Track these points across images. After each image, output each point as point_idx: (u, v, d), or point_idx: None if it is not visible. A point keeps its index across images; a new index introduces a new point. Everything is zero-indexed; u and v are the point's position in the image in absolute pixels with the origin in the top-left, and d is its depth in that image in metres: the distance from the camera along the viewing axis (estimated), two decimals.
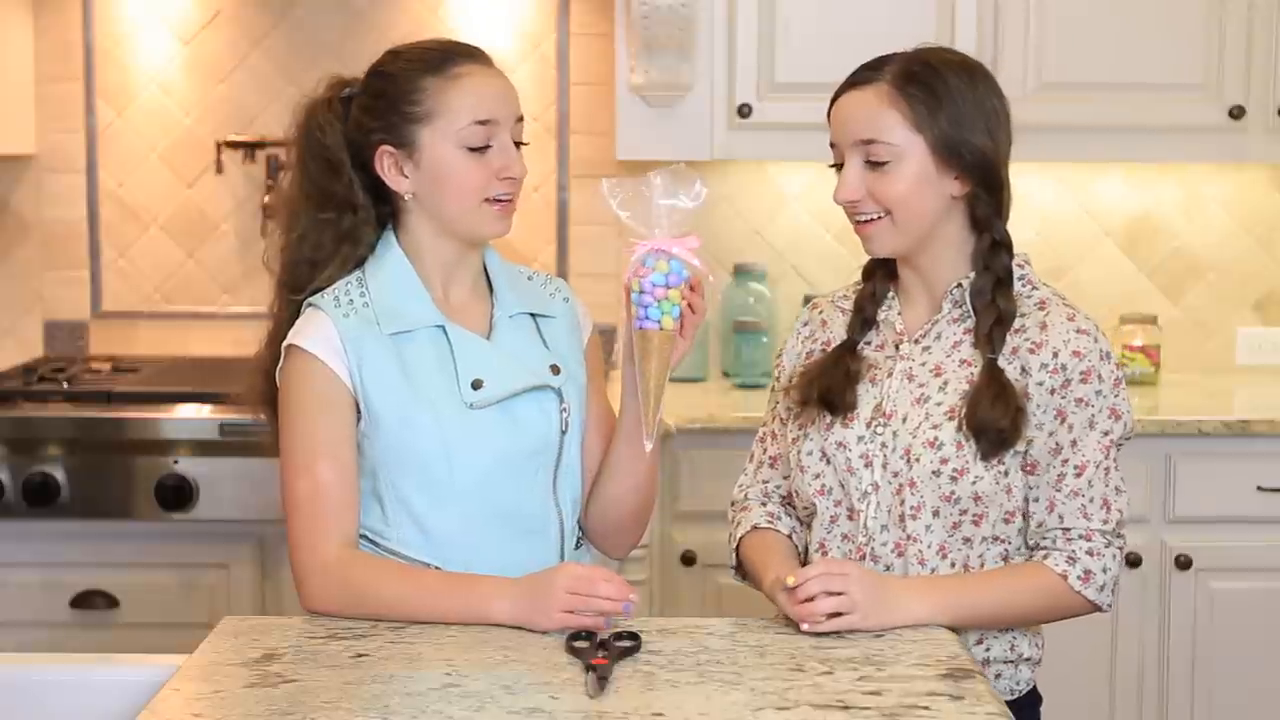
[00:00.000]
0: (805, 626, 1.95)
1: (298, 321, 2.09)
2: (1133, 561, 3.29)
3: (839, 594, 1.94)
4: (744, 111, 3.49)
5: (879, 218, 2.08)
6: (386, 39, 3.72)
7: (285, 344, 2.07)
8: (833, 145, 2.13)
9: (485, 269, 2.19)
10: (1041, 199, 3.85)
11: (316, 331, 2.05)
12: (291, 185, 2.16)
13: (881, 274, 2.18)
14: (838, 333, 2.20)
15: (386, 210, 2.14)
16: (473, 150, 2.07)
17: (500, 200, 2.09)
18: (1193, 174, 3.84)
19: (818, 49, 3.45)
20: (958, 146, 2.05)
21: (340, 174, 2.11)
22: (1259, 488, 3.29)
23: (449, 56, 2.10)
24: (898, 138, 2.05)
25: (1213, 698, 3.32)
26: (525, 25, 3.81)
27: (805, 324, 2.26)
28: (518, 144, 2.11)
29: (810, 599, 1.95)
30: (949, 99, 2.05)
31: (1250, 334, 3.88)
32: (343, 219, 2.12)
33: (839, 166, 2.12)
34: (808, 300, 3.08)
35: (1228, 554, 3.32)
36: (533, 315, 2.18)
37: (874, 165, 2.07)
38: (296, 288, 2.11)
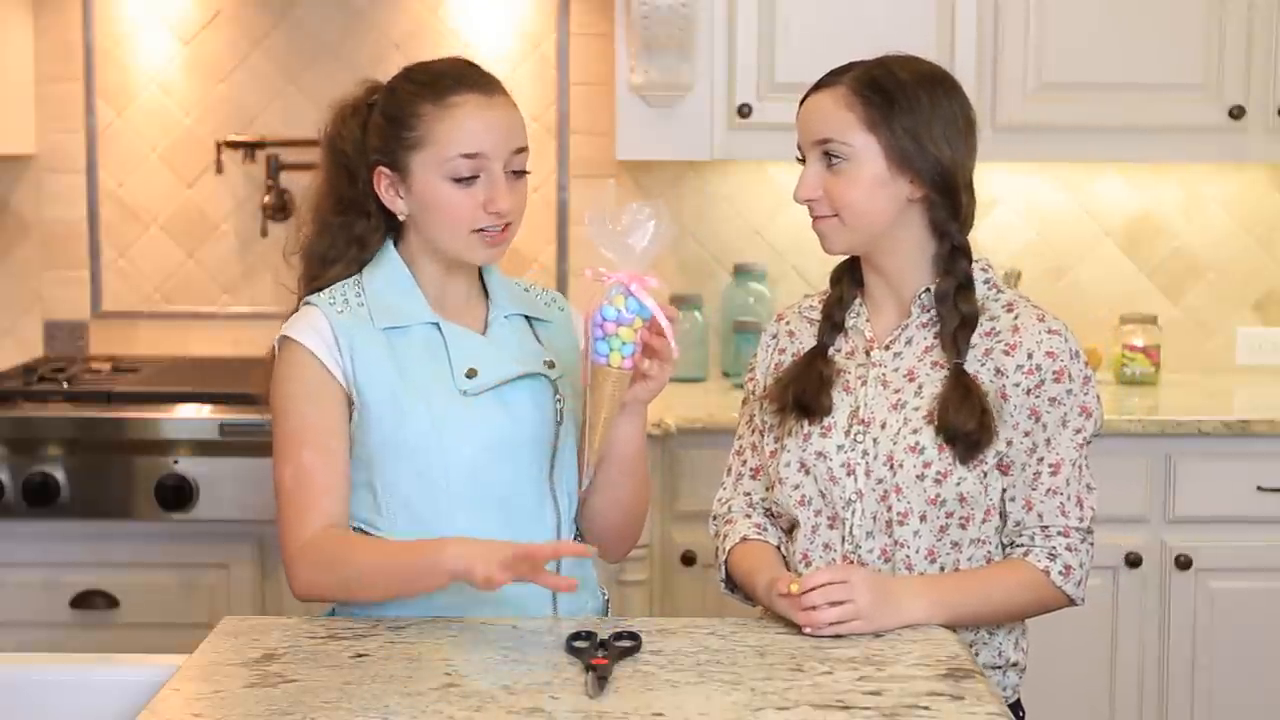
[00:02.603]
0: (808, 630, 1.95)
1: (292, 317, 2.13)
2: (1133, 561, 3.29)
3: (843, 602, 1.95)
4: (744, 111, 3.49)
5: (832, 216, 2.12)
6: (386, 39, 3.77)
7: (278, 336, 2.11)
8: (798, 146, 2.16)
9: (481, 278, 2.20)
10: (1041, 199, 3.85)
11: (309, 325, 2.09)
12: (316, 183, 2.20)
13: (848, 280, 2.21)
14: (805, 342, 2.22)
15: (395, 220, 2.16)
16: (459, 181, 2.07)
17: (487, 231, 2.09)
18: (1193, 174, 3.84)
19: (818, 49, 3.44)
20: (911, 151, 2.08)
21: (355, 180, 2.14)
22: (1259, 488, 3.29)
23: (450, 84, 2.09)
24: (852, 138, 2.09)
25: (1213, 698, 3.32)
26: (525, 25, 3.81)
27: (773, 336, 2.28)
28: (520, 173, 2.11)
29: (814, 607, 1.95)
30: (905, 104, 2.08)
31: (1250, 334, 3.88)
32: (356, 223, 2.16)
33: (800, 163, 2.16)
34: None
35: (1228, 554, 3.31)
36: (528, 318, 2.19)
37: (830, 165, 2.10)
38: (309, 280, 2.17)
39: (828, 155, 2.10)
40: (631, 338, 1.93)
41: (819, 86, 2.15)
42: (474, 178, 2.07)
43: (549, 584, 1.89)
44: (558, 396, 2.13)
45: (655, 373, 1.98)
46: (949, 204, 2.11)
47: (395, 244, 2.16)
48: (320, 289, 2.15)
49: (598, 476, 2.12)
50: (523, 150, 2.11)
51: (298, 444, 2.06)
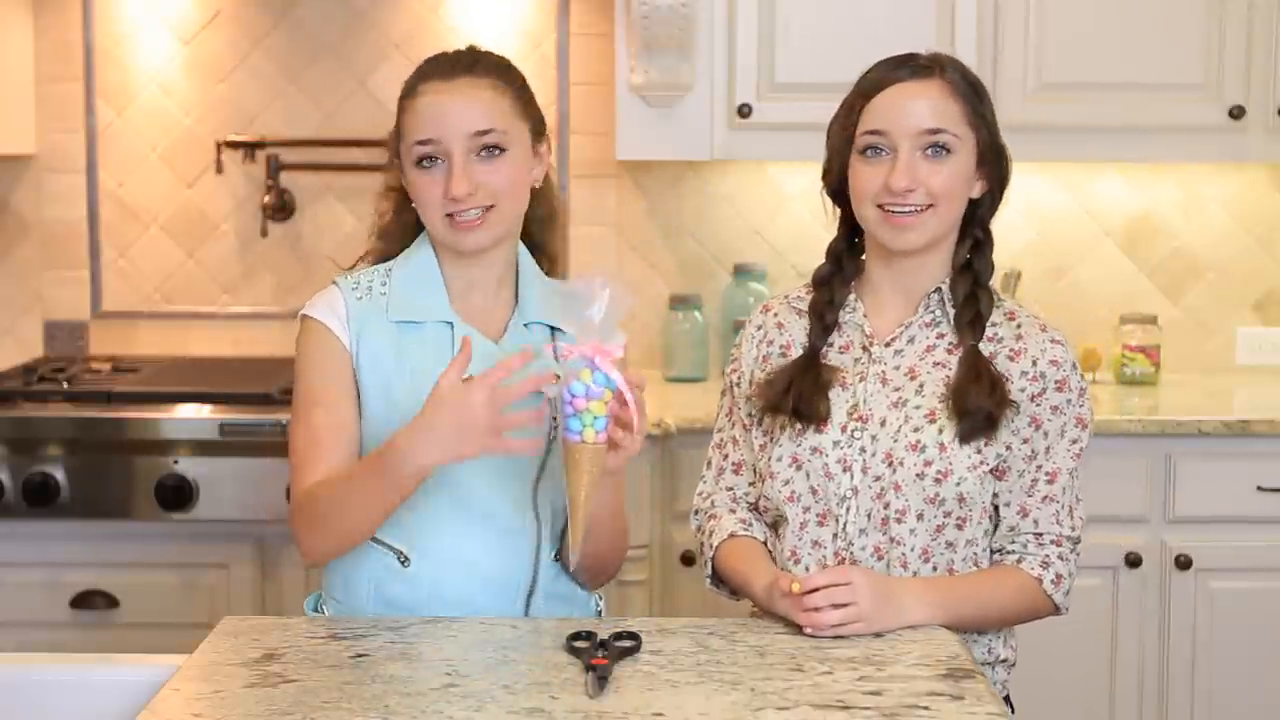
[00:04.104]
0: (809, 630, 1.95)
1: (315, 295, 2.17)
2: (1133, 561, 3.28)
3: (845, 604, 1.95)
4: (744, 111, 3.49)
5: (924, 209, 2.10)
6: (386, 39, 3.77)
7: (300, 314, 2.15)
8: (877, 133, 2.11)
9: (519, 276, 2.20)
10: (1041, 199, 3.85)
11: (326, 303, 2.14)
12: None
13: (839, 279, 2.20)
14: (795, 334, 2.21)
15: None
16: (424, 168, 2.10)
17: (459, 216, 2.09)
18: (1193, 174, 3.84)
19: (818, 49, 3.45)
20: (992, 147, 2.14)
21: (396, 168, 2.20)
22: (1259, 488, 3.29)
23: (423, 73, 2.14)
24: (960, 130, 2.11)
25: (1213, 698, 3.32)
26: (525, 25, 3.81)
27: (759, 327, 2.26)
28: (496, 153, 2.09)
29: (815, 608, 1.95)
30: (987, 102, 2.15)
31: (1250, 334, 3.88)
32: (403, 209, 2.21)
33: (870, 154, 2.11)
34: None
35: (1228, 554, 3.31)
36: (552, 328, 2.18)
37: (933, 156, 2.10)
38: (372, 256, 2.23)
39: (933, 145, 2.09)
40: (603, 410, 1.90)
41: (910, 75, 2.12)
42: (437, 163, 2.09)
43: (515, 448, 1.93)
44: (552, 415, 2.12)
45: (626, 443, 1.94)
46: (998, 201, 2.17)
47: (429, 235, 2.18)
48: (376, 260, 2.20)
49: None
50: (487, 132, 2.09)
51: (309, 404, 2.10)
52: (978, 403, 2.06)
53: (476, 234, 2.10)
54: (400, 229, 2.21)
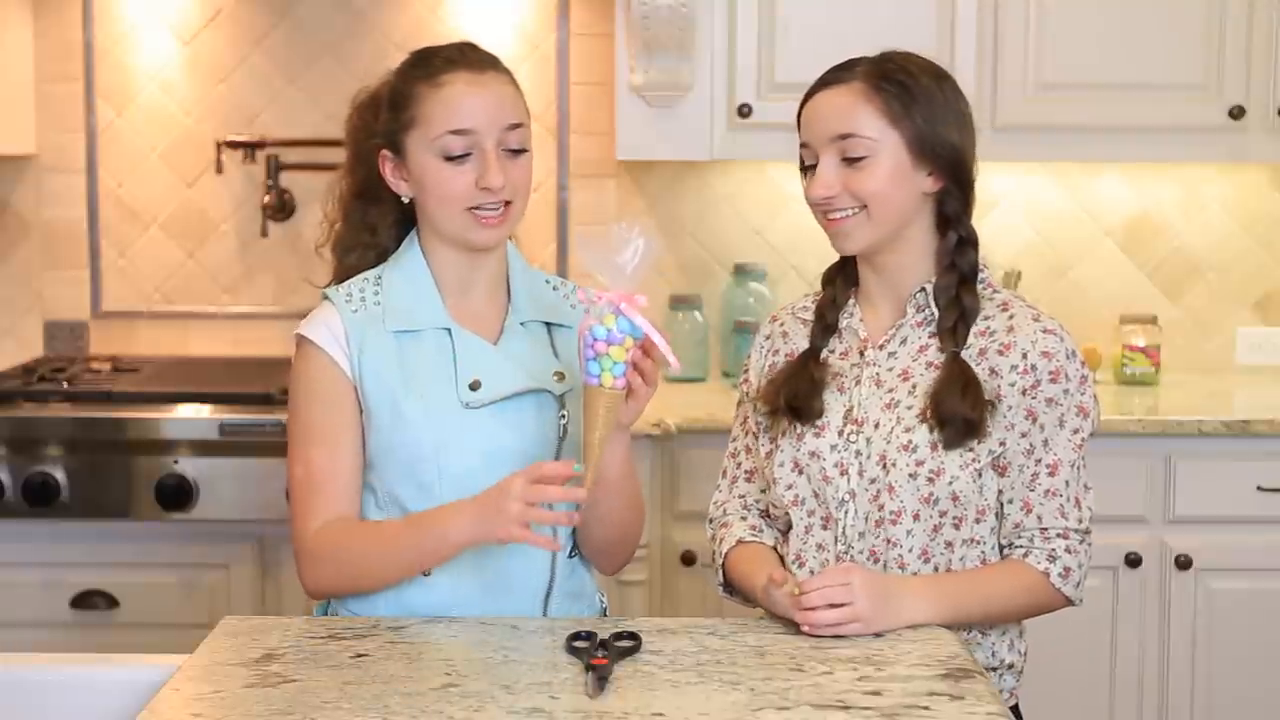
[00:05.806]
0: (806, 629, 1.96)
1: (310, 313, 2.14)
2: (1133, 561, 3.29)
3: (843, 604, 1.95)
4: (744, 111, 3.49)
5: (854, 213, 2.10)
6: (387, 39, 3.77)
7: (295, 333, 2.13)
8: (804, 146, 2.15)
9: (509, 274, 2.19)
10: (1041, 199, 3.85)
11: (323, 323, 2.11)
12: (340, 175, 2.23)
13: (842, 280, 2.21)
14: (799, 343, 2.21)
15: (409, 209, 2.17)
16: (451, 159, 2.07)
17: (483, 210, 2.08)
18: (1193, 174, 3.84)
19: (818, 49, 3.41)
20: (932, 142, 2.09)
21: (368, 167, 2.16)
22: (1259, 488, 3.29)
23: (441, 64, 2.11)
24: (874, 131, 2.08)
25: (1213, 698, 3.32)
26: (525, 25, 3.82)
27: (767, 337, 2.27)
28: (518, 151, 2.11)
29: (813, 608, 1.95)
30: (922, 96, 2.09)
31: (1250, 334, 3.88)
32: (369, 210, 2.19)
33: (809, 169, 2.14)
34: None
35: (1228, 554, 3.31)
36: (547, 324, 2.18)
37: (850, 161, 2.09)
38: (335, 271, 2.20)
39: (845, 151, 2.09)
40: (622, 357, 1.93)
41: (826, 83, 2.14)
42: (466, 155, 2.07)
43: (538, 541, 1.95)
44: (562, 412, 2.12)
45: (642, 392, 1.97)
46: (963, 195, 2.12)
47: (419, 236, 2.16)
48: (344, 278, 2.17)
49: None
50: (517, 126, 2.10)
51: (307, 442, 2.09)
52: (953, 410, 2.05)
53: (496, 230, 2.10)
54: (354, 234, 2.19)
